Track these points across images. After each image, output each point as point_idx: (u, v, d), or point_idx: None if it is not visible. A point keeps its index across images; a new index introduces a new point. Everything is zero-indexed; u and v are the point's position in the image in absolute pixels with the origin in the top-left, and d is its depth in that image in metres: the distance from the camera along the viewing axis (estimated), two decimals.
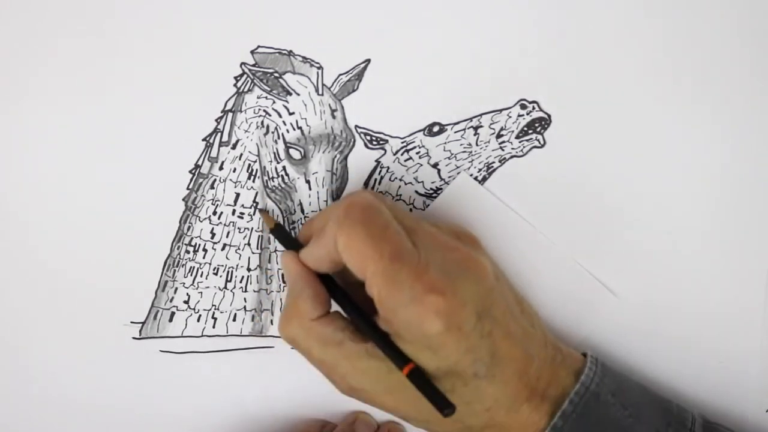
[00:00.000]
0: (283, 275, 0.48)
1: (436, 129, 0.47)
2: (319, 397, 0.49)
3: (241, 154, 0.48)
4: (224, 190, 0.48)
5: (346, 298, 0.42)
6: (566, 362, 0.43)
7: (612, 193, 0.48)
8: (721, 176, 0.48)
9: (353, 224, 0.38)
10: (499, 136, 0.47)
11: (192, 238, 0.48)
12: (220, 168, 0.48)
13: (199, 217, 0.48)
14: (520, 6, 0.46)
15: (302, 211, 0.48)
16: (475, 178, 0.48)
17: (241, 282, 0.48)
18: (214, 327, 0.49)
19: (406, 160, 0.48)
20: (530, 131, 0.47)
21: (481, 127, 0.47)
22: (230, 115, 0.47)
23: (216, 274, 0.48)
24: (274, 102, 0.47)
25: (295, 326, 0.41)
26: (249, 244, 0.48)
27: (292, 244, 0.44)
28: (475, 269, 0.40)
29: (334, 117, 0.47)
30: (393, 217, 0.40)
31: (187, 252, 0.48)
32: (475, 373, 0.39)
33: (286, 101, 0.47)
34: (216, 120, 0.47)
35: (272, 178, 0.48)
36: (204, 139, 0.47)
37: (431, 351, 0.38)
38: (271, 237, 0.48)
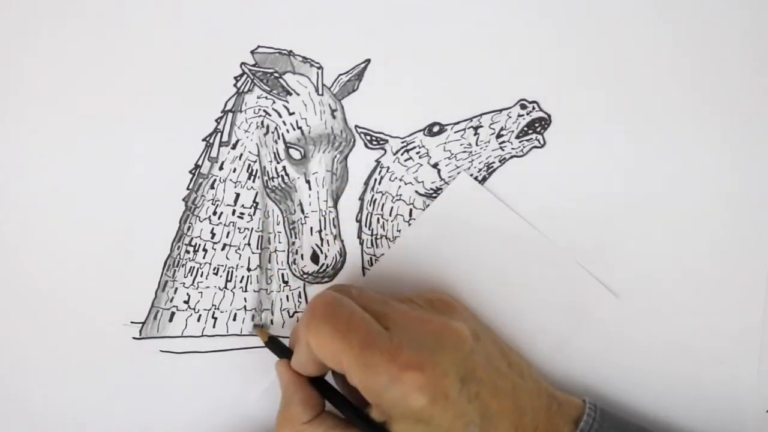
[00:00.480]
0: (283, 276, 0.48)
1: (436, 129, 0.47)
2: None
3: (241, 154, 0.48)
4: (224, 190, 0.48)
5: (338, 397, 0.43)
6: (563, 410, 0.43)
7: (612, 193, 0.48)
8: (721, 176, 0.47)
9: (318, 324, 0.40)
10: (499, 136, 0.47)
11: (192, 238, 0.48)
12: (220, 168, 0.48)
13: (199, 217, 0.48)
14: (520, 6, 0.46)
15: (302, 211, 0.48)
16: (475, 178, 0.48)
17: (241, 282, 0.48)
18: (214, 327, 0.49)
19: (406, 160, 0.48)
20: (530, 131, 0.47)
21: (481, 127, 0.47)
22: (230, 115, 0.47)
23: (216, 274, 0.48)
24: (274, 102, 0.47)
25: (287, 431, 0.43)
26: (249, 244, 0.48)
27: (286, 353, 0.46)
28: (450, 337, 0.40)
29: (334, 117, 0.47)
30: (357, 307, 0.41)
31: (187, 252, 0.48)
32: None
33: (286, 101, 0.47)
34: (216, 120, 0.47)
35: (272, 178, 0.48)
36: (204, 139, 0.47)
37: (423, 424, 0.39)
38: (271, 237, 0.48)
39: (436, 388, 0.38)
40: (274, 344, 0.47)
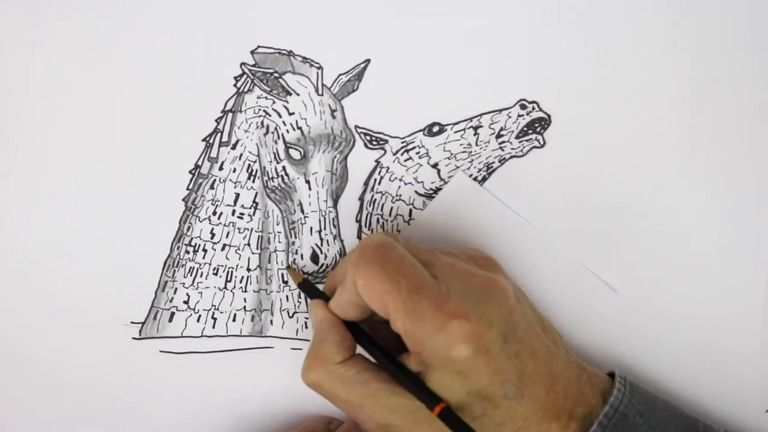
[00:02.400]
0: (283, 276, 0.48)
1: (436, 129, 0.47)
2: (319, 397, 0.49)
3: (241, 155, 0.48)
4: (224, 190, 0.48)
5: (372, 343, 0.42)
6: (592, 381, 0.43)
7: (612, 193, 0.48)
8: (721, 176, 0.48)
9: (368, 264, 0.39)
10: (499, 136, 0.47)
11: (192, 239, 0.48)
12: (220, 168, 0.48)
13: (199, 217, 0.48)
14: (521, 6, 0.46)
15: (302, 211, 0.48)
16: (475, 179, 0.48)
17: (240, 282, 0.48)
18: (213, 327, 0.49)
19: (406, 160, 0.48)
20: (530, 131, 0.47)
21: (481, 127, 0.47)
22: (230, 115, 0.47)
23: (216, 274, 0.48)
24: (274, 102, 0.47)
25: (318, 371, 0.42)
26: (249, 245, 0.48)
27: (319, 295, 0.45)
28: (496, 292, 0.40)
29: (334, 117, 0.47)
30: (407, 252, 0.40)
31: (187, 252, 0.48)
32: (505, 394, 0.39)
33: (286, 101, 0.47)
34: (216, 120, 0.47)
35: (272, 178, 0.48)
36: (204, 139, 0.47)
37: (461, 376, 0.39)
38: (271, 237, 0.48)
39: (480, 340, 0.38)
40: (307, 286, 0.46)
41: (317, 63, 0.46)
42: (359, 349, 0.43)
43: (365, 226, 0.48)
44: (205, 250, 0.48)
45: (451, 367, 0.38)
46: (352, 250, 0.43)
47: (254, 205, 0.48)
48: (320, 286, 0.47)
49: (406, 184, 0.48)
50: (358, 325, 0.43)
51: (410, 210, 0.48)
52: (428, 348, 0.38)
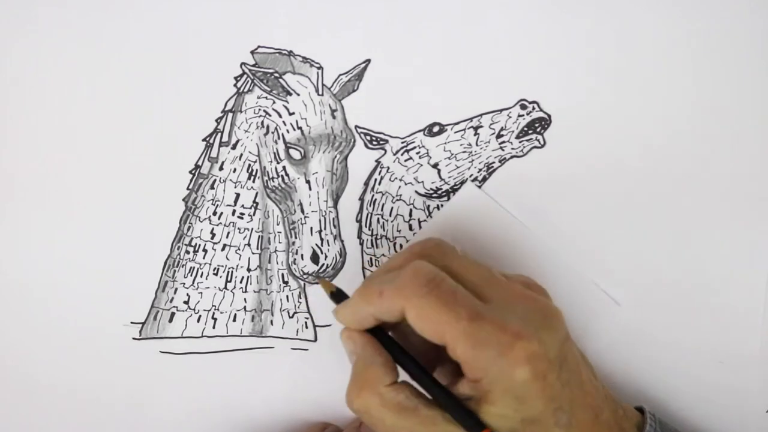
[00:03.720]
0: (283, 276, 0.48)
1: (436, 129, 0.47)
2: (320, 397, 0.49)
3: (241, 155, 0.48)
4: (224, 190, 0.48)
5: (416, 366, 0.41)
6: (627, 416, 0.43)
7: (611, 193, 0.48)
8: (721, 176, 0.48)
9: (423, 296, 0.38)
10: (499, 136, 0.47)
11: (192, 239, 0.48)
12: (220, 168, 0.48)
13: (199, 217, 0.48)
14: (521, 6, 0.46)
15: (302, 211, 0.48)
16: (475, 179, 0.48)
17: (241, 282, 0.48)
18: (214, 327, 0.48)
19: (406, 160, 0.48)
20: (530, 131, 0.47)
21: (481, 127, 0.47)
22: (230, 115, 0.47)
23: (216, 274, 0.48)
24: (274, 102, 0.47)
25: (367, 395, 0.40)
26: (249, 245, 0.48)
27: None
28: (554, 318, 0.40)
29: (334, 117, 0.47)
30: (458, 285, 0.39)
31: (187, 252, 0.48)
32: (557, 422, 0.39)
33: (286, 101, 0.47)
34: (216, 120, 0.47)
35: (272, 178, 0.48)
36: (204, 139, 0.47)
37: (519, 401, 0.38)
38: (272, 237, 0.48)
39: (540, 363, 0.37)
40: (339, 297, 0.44)
41: (317, 63, 0.46)
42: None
43: (365, 226, 0.48)
44: (205, 251, 0.48)
45: (511, 392, 0.38)
46: (397, 274, 0.40)
47: (254, 205, 0.48)
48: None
49: (406, 184, 0.48)
50: (399, 346, 0.42)
51: (410, 210, 0.48)
52: (491, 373, 0.38)
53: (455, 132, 0.47)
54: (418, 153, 0.48)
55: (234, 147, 0.47)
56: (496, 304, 0.39)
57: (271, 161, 0.48)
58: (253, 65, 0.46)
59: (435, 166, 0.48)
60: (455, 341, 0.38)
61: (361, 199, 0.48)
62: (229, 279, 0.48)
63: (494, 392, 0.38)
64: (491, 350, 0.37)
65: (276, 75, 0.47)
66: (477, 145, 0.48)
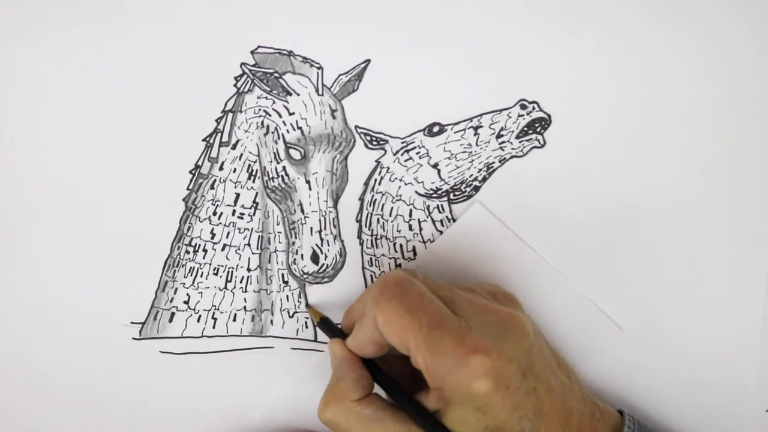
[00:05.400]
0: (283, 276, 0.48)
1: (436, 129, 0.47)
2: (319, 397, 0.49)
3: (241, 155, 0.48)
4: (224, 190, 0.48)
5: (389, 381, 0.43)
6: (604, 418, 0.43)
7: (611, 193, 0.48)
8: (721, 177, 0.48)
9: (389, 300, 0.40)
10: (499, 136, 0.47)
11: (192, 239, 0.48)
12: (220, 168, 0.48)
13: (199, 217, 0.48)
14: (521, 6, 0.46)
15: (302, 211, 0.48)
16: (475, 179, 0.48)
17: (241, 282, 0.48)
18: (214, 327, 0.49)
19: (406, 160, 0.48)
20: (530, 131, 0.47)
21: (481, 127, 0.47)
22: (230, 115, 0.47)
23: (216, 274, 0.48)
24: (274, 102, 0.47)
25: (335, 408, 0.42)
26: (249, 245, 0.48)
27: (337, 334, 0.45)
28: (516, 328, 0.40)
29: (334, 117, 0.47)
30: (427, 289, 0.41)
31: (187, 252, 0.48)
32: (521, 430, 0.39)
33: (286, 101, 0.47)
34: (216, 120, 0.47)
35: (272, 178, 0.48)
36: (204, 139, 0.47)
37: (480, 412, 0.39)
38: (271, 237, 0.48)
39: (500, 375, 0.38)
40: (325, 325, 0.46)
41: (317, 63, 0.46)
42: (376, 388, 0.43)
43: (365, 227, 0.48)
44: (205, 250, 0.48)
45: (471, 403, 0.39)
46: (370, 287, 0.43)
47: (254, 205, 0.48)
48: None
49: (406, 184, 0.48)
50: (375, 363, 0.43)
51: (410, 210, 0.48)
52: (449, 383, 0.39)
53: (455, 132, 0.47)
54: (418, 153, 0.48)
55: (234, 147, 0.47)
56: (461, 317, 0.40)
57: (271, 161, 0.48)
58: (253, 65, 0.46)
59: (435, 166, 0.48)
60: (416, 348, 0.39)
61: (361, 199, 0.48)
62: (229, 279, 0.48)
63: (454, 401, 0.39)
64: (449, 360, 0.38)
65: (276, 75, 0.47)
66: (477, 145, 0.48)
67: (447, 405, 0.39)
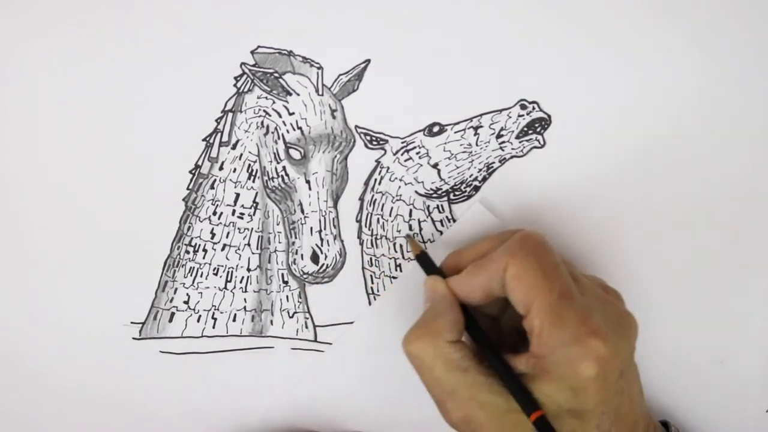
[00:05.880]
0: (283, 276, 0.48)
1: (436, 129, 0.47)
2: (319, 397, 0.49)
3: (241, 154, 0.48)
4: (224, 190, 0.48)
5: (482, 333, 0.42)
6: (657, 431, 0.43)
7: (611, 193, 0.48)
8: (721, 176, 0.48)
9: (527, 255, 0.39)
10: (499, 136, 0.47)
11: (192, 239, 0.48)
12: (220, 168, 0.48)
13: (199, 217, 0.48)
14: (521, 6, 0.46)
15: (302, 211, 0.48)
16: (475, 179, 0.48)
17: (241, 282, 0.48)
18: (214, 327, 0.49)
19: (406, 160, 0.48)
20: (530, 131, 0.47)
21: (481, 127, 0.47)
22: (230, 115, 0.47)
23: (216, 274, 0.48)
24: (274, 102, 0.47)
25: (425, 343, 0.40)
26: (249, 245, 0.48)
27: (435, 271, 0.44)
28: (629, 326, 0.40)
29: (334, 117, 0.47)
30: (561, 260, 0.40)
31: (187, 252, 0.48)
32: (599, 425, 0.39)
33: (286, 101, 0.47)
34: (216, 120, 0.47)
35: (272, 178, 0.48)
36: (204, 139, 0.47)
37: (573, 393, 0.38)
38: (271, 237, 0.48)
39: (607, 365, 0.38)
40: (424, 259, 0.45)
41: (317, 63, 0.46)
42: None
43: (365, 226, 0.48)
44: (205, 250, 0.48)
45: (569, 381, 0.38)
46: (506, 237, 0.41)
47: (254, 205, 0.48)
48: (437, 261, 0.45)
49: (406, 184, 0.48)
50: (471, 315, 0.42)
51: (410, 210, 0.48)
52: (557, 355, 0.38)
53: (455, 132, 0.47)
54: (418, 153, 0.48)
55: (234, 147, 0.47)
56: (584, 297, 0.39)
57: (271, 161, 0.48)
58: (253, 65, 0.46)
59: (435, 166, 0.48)
60: (539, 310, 0.38)
61: (361, 199, 0.48)
62: (229, 279, 0.48)
63: (552, 374, 0.38)
64: (567, 334, 0.38)
65: (276, 75, 0.47)
66: (477, 145, 0.48)
67: (543, 374, 0.39)
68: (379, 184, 0.48)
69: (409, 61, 0.46)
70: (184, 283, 0.48)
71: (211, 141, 0.47)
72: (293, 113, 0.47)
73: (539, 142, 0.47)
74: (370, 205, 0.48)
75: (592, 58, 0.47)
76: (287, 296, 0.49)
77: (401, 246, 0.48)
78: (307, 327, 0.49)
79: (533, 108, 0.47)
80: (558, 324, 0.38)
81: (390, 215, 0.48)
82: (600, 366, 0.37)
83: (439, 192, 0.48)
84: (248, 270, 0.48)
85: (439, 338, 0.40)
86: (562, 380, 0.38)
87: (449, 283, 0.43)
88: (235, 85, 0.47)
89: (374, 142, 0.47)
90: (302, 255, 0.48)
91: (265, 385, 0.49)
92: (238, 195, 0.48)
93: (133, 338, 0.48)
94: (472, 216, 0.48)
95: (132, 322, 0.48)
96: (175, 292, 0.48)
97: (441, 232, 0.48)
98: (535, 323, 0.38)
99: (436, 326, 0.41)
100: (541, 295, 0.38)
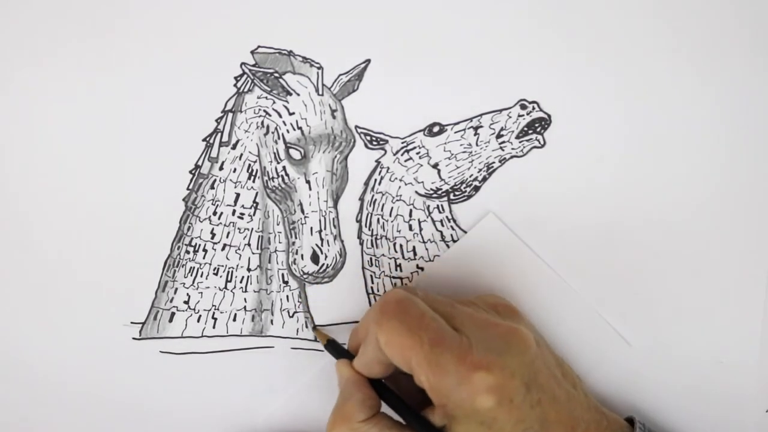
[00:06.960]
0: (283, 275, 0.48)
1: (436, 129, 0.47)
2: (319, 398, 0.49)
3: (241, 155, 0.48)
4: (224, 190, 0.48)
5: (397, 400, 0.43)
6: (611, 427, 0.43)
7: (611, 193, 0.48)
8: (721, 176, 0.48)
9: (389, 319, 0.40)
10: (499, 136, 0.47)
11: (192, 239, 0.48)
12: (220, 168, 0.48)
13: (199, 217, 0.48)
14: (521, 6, 0.46)
15: (302, 211, 0.48)
16: (475, 179, 0.48)
17: (241, 282, 0.48)
18: (214, 327, 0.49)
19: (406, 160, 0.48)
20: (530, 131, 0.47)
21: (481, 127, 0.47)
22: (230, 115, 0.47)
23: (216, 274, 0.48)
24: (274, 102, 0.47)
25: (341, 429, 0.42)
26: (249, 245, 0.48)
27: (344, 355, 0.46)
28: (517, 341, 0.40)
29: (334, 117, 0.47)
30: (427, 307, 0.41)
31: (187, 252, 0.48)
32: None
33: (286, 101, 0.47)
34: (216, 120, 0.47)
35: (272, 178, 0.48)
36: (204, 139, 0.47)
37: (485, 426, 0.39)
38: (272, 237, 0.48)
39: (503, 390, 0.38)
40: (332, 346, 0.47)
41: (317, 63, 0.46)
42: (384, 407, 0.43)
43: (365, 227, 0.48)
44: (205, 250, 0.48)
45: (476, 418, 0.39)
46: (372, 307, 0.43)
47: (254, 205, 0.48)
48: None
49: (406, 184, 0.48)
50: (382, 382, 0.43)
51: (410, 210, 0.48)
52: (452, 400, 0.39)
53: (455, 132, 0.47)
54: (418, 153, 0.48)
55: (234, 147, 0.47)
56: (461, 333, 0.40)
57: (271, 161, 0.48)
58: (253, 65, 0.46)
59: (435, 166, 0.48)
60: (419, 367, 0.39)
61: (361, 199, 0.48)
62: (229, 279, 0.48)
63: (459, 417, 0.39)
64: (451, 378, 0.38)
65: (276, 75, 0.47)
66: (477, 145, 0.48)
67: (453, 421, 0.40)
68: (379, 184, 0.48)
69: (409, 61, 0.46)
70: (184, 283, 0.48)
71: (211, 141, 0.47)
72: (293, 113, 0.47)
73: (539, 142, 0.47)
74: (370, 205, 0.48)
75: (592, 58, 0.47)
76: (287, 296, 0.49)
77: (401, 246, 0.48)
78: (307, 327, 0.49)
79: (533, 108, 0.47)
80: (439, 372, 0.38)
81: (390, 215, 0.48)
82: (496, 393, 0.38)
83: (439, 192, 0.48)
84: (248, 270, 0.48)
85: (352, 420, 0.42)
86: (469, 419, 0.39)
87: (354, 363, 0.44)
88: (235, 85, 0.47)
89: (374, 142, 0.47)
90: (302, 255, 0.48)
91: (265, 384, 0.49)
92: (238, 195, 0.48)
93: (133, 338, 0.48)
94: (483, 226, 0.48)
95: (132, 322, 0.48)
96: (175, 292, 0.48)
97: (441, 232, 0.48)
98: (422, 379, 0.39)
99: (347, 410, 0.42)
100: (413, 351, 0.39)
